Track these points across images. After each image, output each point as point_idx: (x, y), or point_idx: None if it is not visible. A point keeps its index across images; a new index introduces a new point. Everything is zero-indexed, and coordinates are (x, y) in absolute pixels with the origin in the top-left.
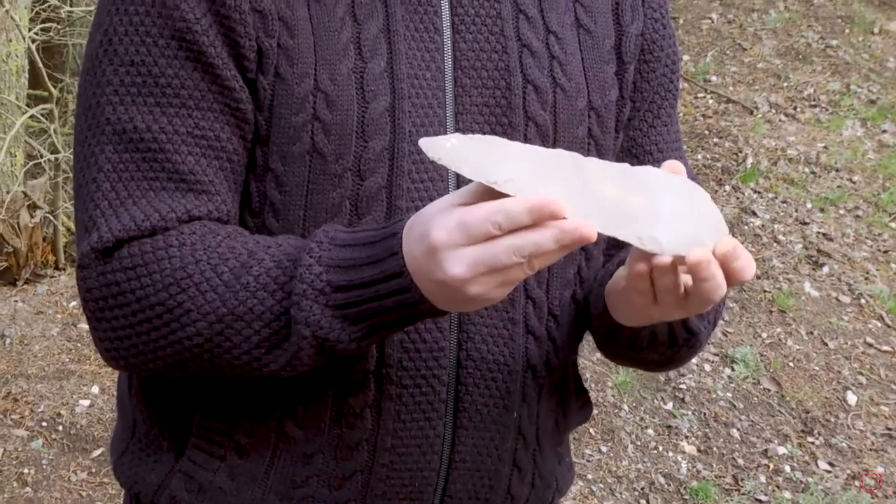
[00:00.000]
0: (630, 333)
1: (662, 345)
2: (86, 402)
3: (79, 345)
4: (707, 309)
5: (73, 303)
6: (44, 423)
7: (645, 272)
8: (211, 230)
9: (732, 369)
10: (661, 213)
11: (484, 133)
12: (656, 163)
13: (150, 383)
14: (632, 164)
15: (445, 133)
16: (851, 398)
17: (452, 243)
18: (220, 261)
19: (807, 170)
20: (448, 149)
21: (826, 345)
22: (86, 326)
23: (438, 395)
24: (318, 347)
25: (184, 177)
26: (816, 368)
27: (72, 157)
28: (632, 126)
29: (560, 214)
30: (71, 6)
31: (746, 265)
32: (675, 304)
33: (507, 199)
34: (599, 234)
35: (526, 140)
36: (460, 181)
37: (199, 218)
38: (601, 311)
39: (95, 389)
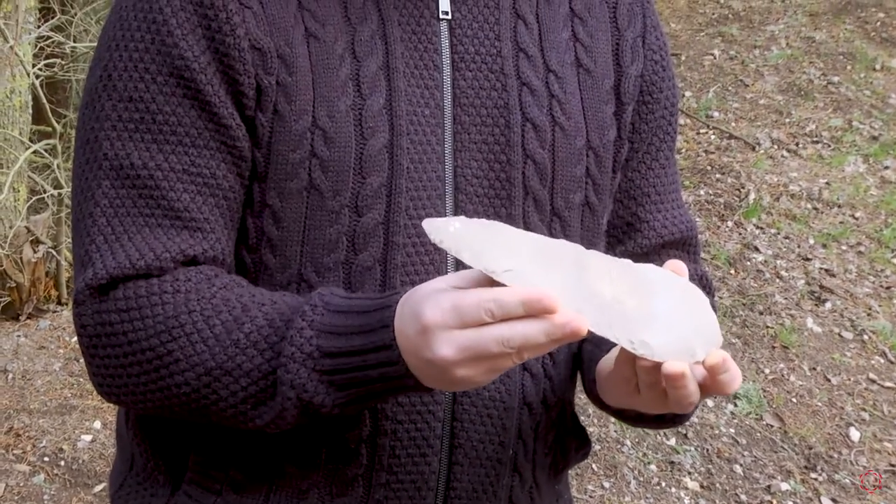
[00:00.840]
0: (615, 410)
1: (649, 421)
2: (88, 438)
3: (81, 380)
4: (686, 411)
5: (76, 338)
6: (46, 458)
7: (630, 369)
8: (207, 278)
9: (735, 405)
10: (656, 317)
11: (481, 168)
12: (654, 204)
13: (147, 418)
14: (628, 206)
15: (443, 169)
16: (854, 434)
17: (444, 325)
18: (214, 313)
19: (809, 206)
20: (451, 233)
21: (829, 381)
22: None
23: (434, 431)
24: (301, 409)
25: (179, 214)
26: (819, 404)
27: None
28: (630, 167)
29: (553, 309)
30: (74, 42)
31: (732, 379)
32: (656, 400)
33: (503, 289)
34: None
35: (524, 178)
36: (457, 211)
37: (194, 257)
38: (592, 379)
39: (98, 424)
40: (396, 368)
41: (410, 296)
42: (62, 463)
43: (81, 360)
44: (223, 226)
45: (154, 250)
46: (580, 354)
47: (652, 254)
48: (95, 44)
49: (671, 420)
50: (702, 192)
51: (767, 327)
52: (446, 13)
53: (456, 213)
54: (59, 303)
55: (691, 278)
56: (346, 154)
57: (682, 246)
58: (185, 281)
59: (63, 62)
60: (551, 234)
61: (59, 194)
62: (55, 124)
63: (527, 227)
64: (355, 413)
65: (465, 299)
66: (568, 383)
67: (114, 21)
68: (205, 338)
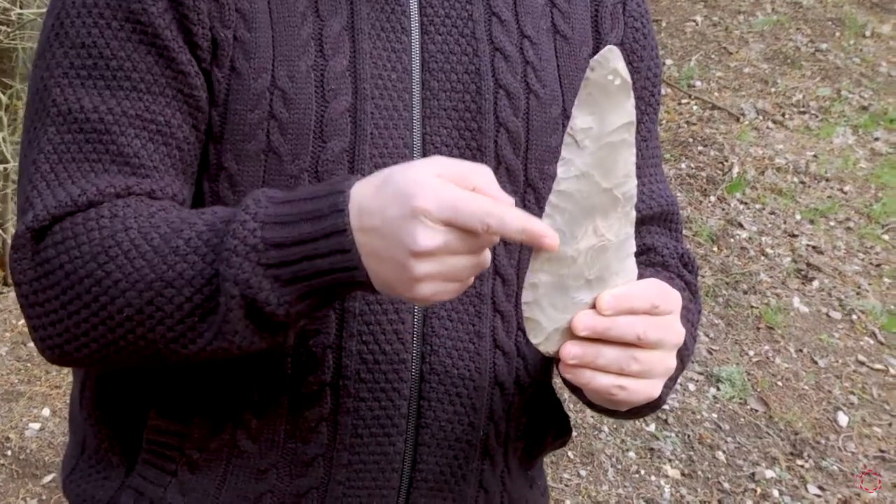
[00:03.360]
0: (585, 399)
1: (617, 411)
2: (36, 426)
3: (29, 365)
4: (606, 405)
5: (22, 321)
6: None
7: None
8: (145, 202)
9: (718, 389)
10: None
11: (451, 136)
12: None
13: (102, 394)
14: None
15: (411, 136)
16: (843, 419)
17: (436, 217)
18: (151, 228)
19: (796, 179)
20: None
21: (816, 363)
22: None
23: (399, 410)
24: (245, 309)
25: (128, 160)
26: (806, 388)
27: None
28: None
29: (552, 249)
30: (21, 8)
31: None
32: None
33: (508, 209)
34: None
35: (496, 147)
36: None
37: (143, 194)
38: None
39: (46, 412)
40: (348, 257)
41: (392, 174)
42: (9, 453)
43: (29, 345)
44: (175, 175)
45: (97, 186)
46: None
47: None
48: (44, 10)
49: (643, 408)
50: (683, 166)
51: (752, 307)
52: None
53: None
54: (6, 284)
55: (671, 256)
56: (307, 116)
57: (662, 221)
58: (122, 206)
59: (9, 29)
60: (524, 206)
61: (5, 169)
62: (0, 95)
63: None
64: (303, 317)
65: (469, 203)
66: (543, 365)
67: None
68: (143, 252)
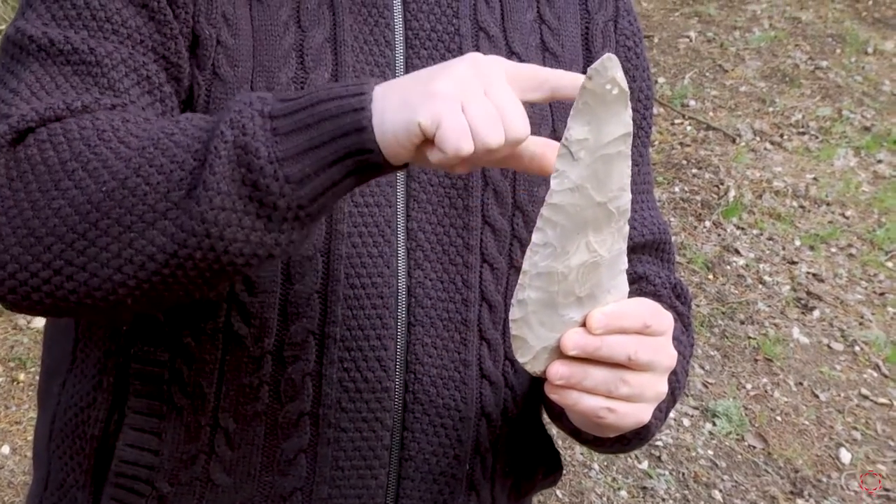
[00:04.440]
0: (571, 428)
1: (606, 442)
2: None
3: None
4: (594, 432)
5: None
6: None
7: None
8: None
9: (714, 424)
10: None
11: None
12: None
13: (71, 423)
14: None
15: None
16: (845, 456)
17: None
18: (155, 120)
19: (795, 203)
20: None
21: (817, 397)
22: None
23: (381, 441)
24: (236, 163)
25: (119, 95)
26: (806, 423)
27: None
28: None
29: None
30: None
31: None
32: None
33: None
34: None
35: (483, 168)
36: (410, 202)
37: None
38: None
39: (6, 449)
40: (357, 100)
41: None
42: None
43: None
44: None
45: (92, 95)
46: None
47: None
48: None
49: (633, 438)
50: (677, 189)
51: (749, 338)
52: None
53: (407, 203)
54: None
55: (664, 286)
56: None
57: (654, 250)
58: (121, 110)
59: None
60: (513, 229)
61: None
62: None
63: (485, 221)
64: (295, 191)
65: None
66: (532, 397)
67: None
68: (138, 132)
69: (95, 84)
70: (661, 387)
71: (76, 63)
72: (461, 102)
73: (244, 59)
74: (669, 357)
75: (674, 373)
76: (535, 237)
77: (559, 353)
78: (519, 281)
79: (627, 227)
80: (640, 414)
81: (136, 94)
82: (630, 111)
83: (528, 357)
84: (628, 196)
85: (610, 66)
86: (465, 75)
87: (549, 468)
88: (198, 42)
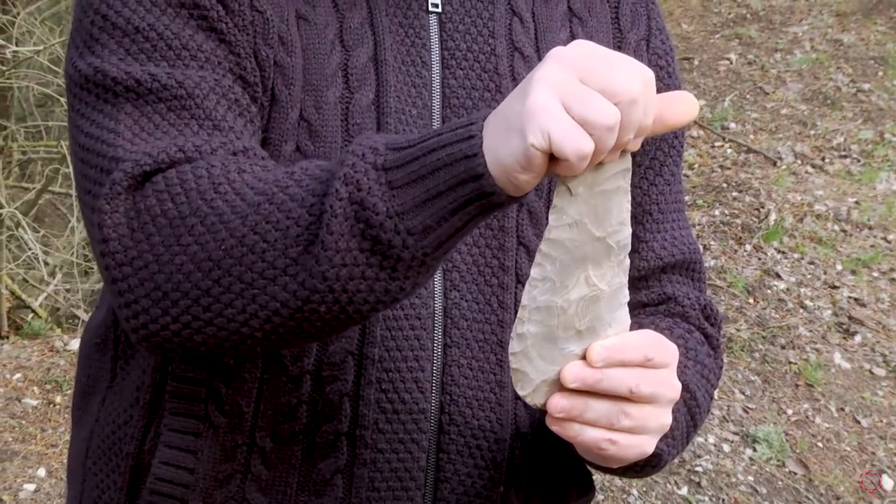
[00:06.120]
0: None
1: (617, 470)
2: (31, 487)
3: (23, 422)
4: (596, 461)
5: (17, 375)
6: None
7: None
8: (258, 153)
9: (754, 450)
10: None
11: None
12: (656, 223)
13: (106, 443)
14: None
15: None
16: (887, 483)
17: (577, 63)
18: (266, 167)
19: (836, 227)
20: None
21: (859, 423)
22: (31, 402)
23: (417, 462)
24: (353, 219)
25: (217, 123)
26: (848, 449)
27: (19, 210)
28: (632, 183)
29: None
30: (17, 45)
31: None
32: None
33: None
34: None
35: None
36: None
37: (245, 149)
38: None
39: (42, 472)
40: (469, 144)
41: None
42: None
43: (24, 401)
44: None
45: (198, 136)
46: None
47: (651, 277)
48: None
49: (644, 466)
50: (717, 213)
51: (790, 363)
52: (436, 6)
53: None
54: (0, 336)
55: (693, 307)
56: (332, 151)
57: (684, 270)
58: (234, 158)
59: (4, 68)
60: None
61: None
62: None
63: (520, 241)
64: (416, 241)
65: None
66: None
67: None
68: (255, 184)
69: (193, 118)
70: (665, 418)
71: (168, 99)
72: (562, 104)
73: (297, 79)
74: (672, 389)
75: (693, 397)
76: (534, 272)
77: (560, 386)
78: (518, 315)
79: (628, 261)
80: (643, 446)
81: (232, 119)
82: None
83: (529, 390)
84: (628, 230)
85: None
86: (554, 76)
87: (582, 489)
88: (259, 64)
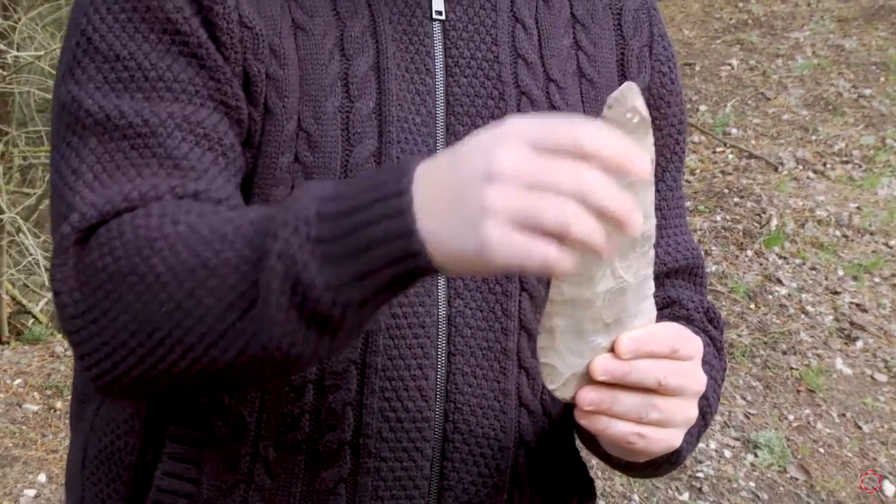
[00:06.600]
0: (603, 452)
1: (637, 466)
2: (31, 492)
3: (24, 427)
4: (622, 455)
5: (18, 380)
6: None
7: None
8: (200, 199)
9: (756, 455)
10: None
11: None
12: (659, 228)
13: (104, 453)
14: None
15: None
16: (889, 488)
17: (522, 134)
18: (201, 221)
19: (838, 233)
20: None
21: (860, 428)
22: (32, 407)
23: (421, 471)
24: (290, 293)
25: (177, 162)
26: (850, 455)
27: (20, 215)
28: None
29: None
30: (18, 51)
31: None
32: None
33: (604, 127)
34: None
35: None
36: None
37: (195, 193)
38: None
39: (42, 478)
40: (403, 220)
41: (476, 134)
42: None
43: (24, 406)
44: (226, 181)
45: (150, 183)
46: None
47: (655, 282)
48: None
49: (663, 463)
50: (718, 218)
51: (792, 369)
52: (440, 13)
53: None
54: (0, 342)
55: (696, 310)
56: (332, 161)
57: (687, 275)
58: (173, 204)
59: (5, 73)
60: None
61: (0, 220)
62: None
63: None
64: (352, 312)
65: (559, 118)
66: (569, 424)
67: None
68: (189, 243)
69: (154, 156)
70: (692, 411)
71: (132, 137)
72: (518, 212)
73: (292, 90)
74: (699, 382)
75: (704, 397)
76: None
77: (588, 379)
78: (546, 309)
79: (653, 252)
80: (671, 439)
81: (196, 157)
82: (651, 137)
83: (558, 383)
84: (653, 221)
85: (630, 94)
86: (507, 170)
87: (584, 495)
88: (249, 79)
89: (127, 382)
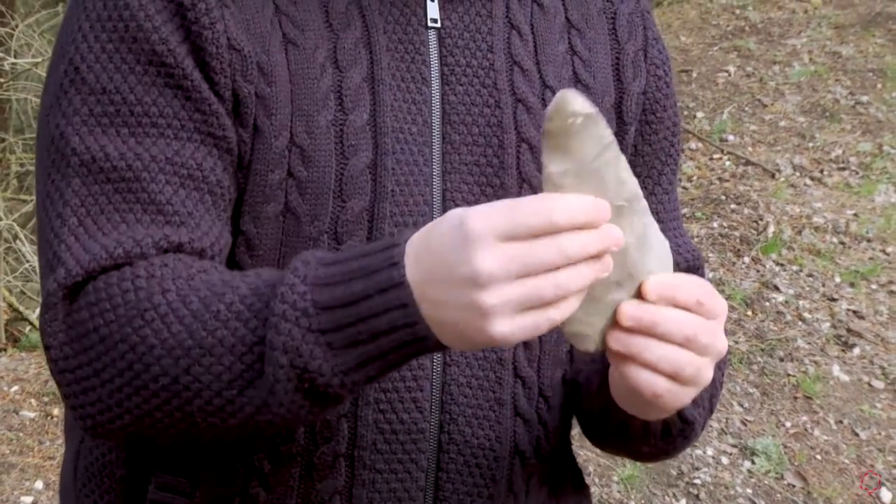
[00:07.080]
0: (619, 421)
1: (654, 436)
2: (28, 499)
3: (21, 434)
4: (663, 410)
5: (15, 387)
6: None
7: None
8: (184, 261)
9: (753, 462)
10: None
11: (472, 192)
12: None
13: (99, 463)
14: None
15: (431, 192)
16: (886, 496)
17: (493, 231)
18: (191, 290)
19: (835, 240)
20: None
21: (857, 435)
22: (28, 414)
23: (416, 482)
24: (297, 381)
25: (161, 208)
26: (847, 461)
27: (16, 222)
28: None
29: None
30: (15, 58)
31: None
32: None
33: (564, 196)
34: None
35: None
36: None
37: (179, 245)
38: (594, 391)
39: (39, 485)
40: (407, 312)
41: (442, 219)
42: None
43: (21, 413)
44: (212, 222)
45: (133, 237)
46: (575, 380)
47: None
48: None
49: (681, 435)
50: (715, 225)
51: (789, 375)
52: (435, 21)
53: None
54: None
55: None
56: (326, 175)
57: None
58: (160, 266)
59: (2, 80)
60: None
61: None
62: None
63: None
64: (361, 385)
65: (521, 205)
66: (564, 432)
67: (77, 13)
68: (181, 316)
69: (137, 201)
70: (708, 373)
71: (116, 181)
72: (518, 301)
73: (282, 106)
74: (722, 343)
75: (713, 384)
76: None
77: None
78: None
79: (644, 202)
80: (688, 396)
81: (180, 200)
82: (603, 123)
83: (592, 345)
84: (632, 180)
85: (564, 103)
86: (494, 272)
87: (579, 500)
88: (239, 101)
89: (120, 435)
